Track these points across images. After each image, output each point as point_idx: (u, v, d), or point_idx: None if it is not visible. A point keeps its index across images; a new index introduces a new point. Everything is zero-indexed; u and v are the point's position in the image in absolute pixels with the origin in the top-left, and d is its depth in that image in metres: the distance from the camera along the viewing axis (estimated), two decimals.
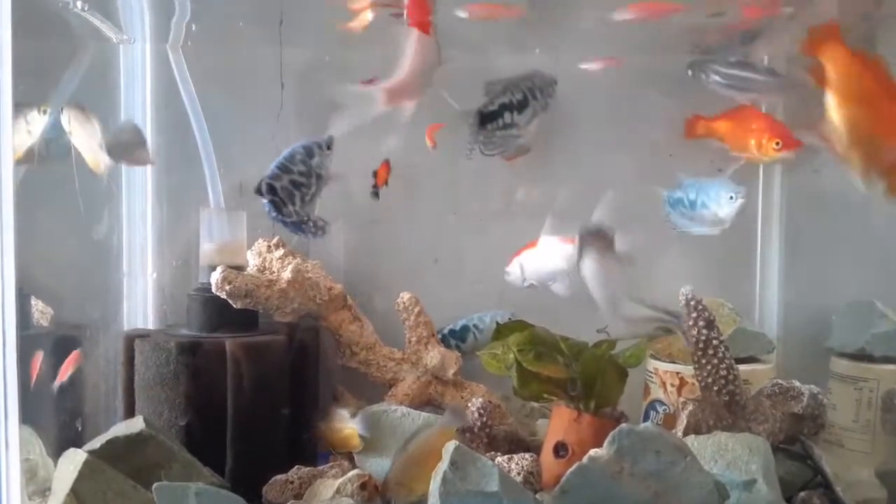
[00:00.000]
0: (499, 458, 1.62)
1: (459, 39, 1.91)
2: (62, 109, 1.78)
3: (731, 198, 1.84)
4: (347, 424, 1.71)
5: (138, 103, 2.06)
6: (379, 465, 1.64)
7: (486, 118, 1.83)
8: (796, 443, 1.70)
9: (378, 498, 1.52)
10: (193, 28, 1.93)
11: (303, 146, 1.67)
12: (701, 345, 1.68)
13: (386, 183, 1.81)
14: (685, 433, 1.61)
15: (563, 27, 1.95)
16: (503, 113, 1.85)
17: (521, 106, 1.85)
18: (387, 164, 1.77)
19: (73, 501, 1.41)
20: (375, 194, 1.81)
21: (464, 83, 1.90)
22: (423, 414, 1.74)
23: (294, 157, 1.66)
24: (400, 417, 1.73)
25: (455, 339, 2.04)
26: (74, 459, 1.45)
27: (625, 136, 2.10)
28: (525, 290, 2.07)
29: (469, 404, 1.77)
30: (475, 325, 2.03)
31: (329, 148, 1.68)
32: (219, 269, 1.74)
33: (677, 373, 1.91)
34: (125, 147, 1.79)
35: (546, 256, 1.86)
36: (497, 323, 1.86)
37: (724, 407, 1.67)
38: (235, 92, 2.05)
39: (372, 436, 1.70)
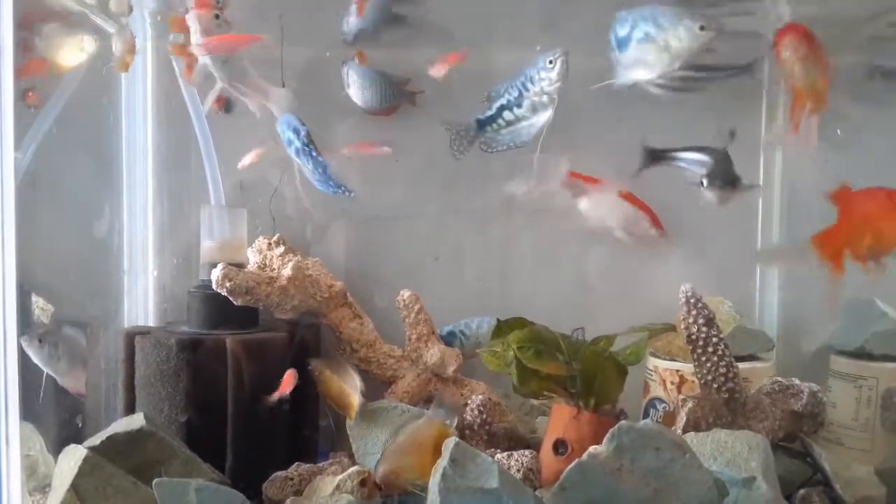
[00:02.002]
0: (498, 455, 1.63)
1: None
2: None
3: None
4: (354, 395, 1.72)
5: (139, 100, 2.06)
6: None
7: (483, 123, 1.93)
8: (796, 441, 1.70)
9: (378, 494, 1.52)
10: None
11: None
12: (701, 342, 1.68)
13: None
14: (684, 430, 1.61)
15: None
16: (502, 113, 1.91)
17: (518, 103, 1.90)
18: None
19: (73, 497, 1.41)
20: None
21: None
22: (423, 411, 1.74)
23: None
24: (399, 415, 1.73)
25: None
26: (74, 456, 1.45)
27: (626, 133, 2.10)
28: (522, 288, 2.09)
29: (468, 401, 1.78)
30: (461, 331, 2.02)
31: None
32: (219, 267, 1.75)
33: (677, 370, 1.92)
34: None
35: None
36: (497, 319, 1.87)
37: (724, 405, 1.67)
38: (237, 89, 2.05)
39: (371, 433, 1.70)
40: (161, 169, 2.10)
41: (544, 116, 1.83)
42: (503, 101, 1.88)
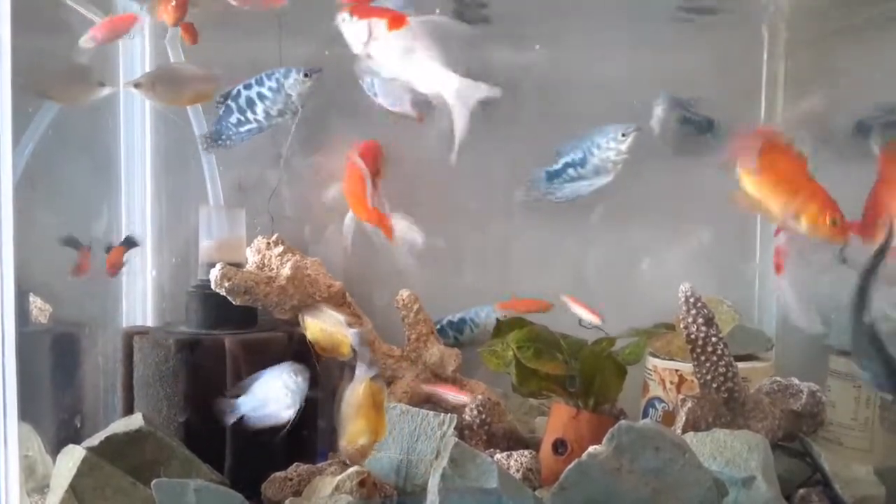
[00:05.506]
0: (498, 455, 1.62)
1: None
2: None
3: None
4: (342, 330, 1.70)
5: (137, 101, 2.06)
6: (378, 463, 1.64)
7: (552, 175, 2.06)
8: (795, 440, 1.70)
9: (377, 494, 1.52)
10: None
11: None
12: (700, 342, 1.68)
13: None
14: (684, 430, 1.60)
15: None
16: (566, 170, 2.02)
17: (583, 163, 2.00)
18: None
19: (72, 498, 1.40)
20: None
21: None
22: (422, 411, 1.74)
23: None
24: (399, 415, 1.72)
25: (453, 330, 2.10)
26: (73, 456, 1.45)
27: None
28: (521, 287, 2.09)
29: (468, 402, 1.78)
30: (471, 319, 2.09)
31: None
32: (218, 266, 1.74)
33: (676, 370, 1.92)
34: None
35: None
36: (497, 319, 1.88)
37: (723, 404, 1.67)
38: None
39: None
40: (159, 169, 2.09)
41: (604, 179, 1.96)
42: (568, 158, 2.01)
